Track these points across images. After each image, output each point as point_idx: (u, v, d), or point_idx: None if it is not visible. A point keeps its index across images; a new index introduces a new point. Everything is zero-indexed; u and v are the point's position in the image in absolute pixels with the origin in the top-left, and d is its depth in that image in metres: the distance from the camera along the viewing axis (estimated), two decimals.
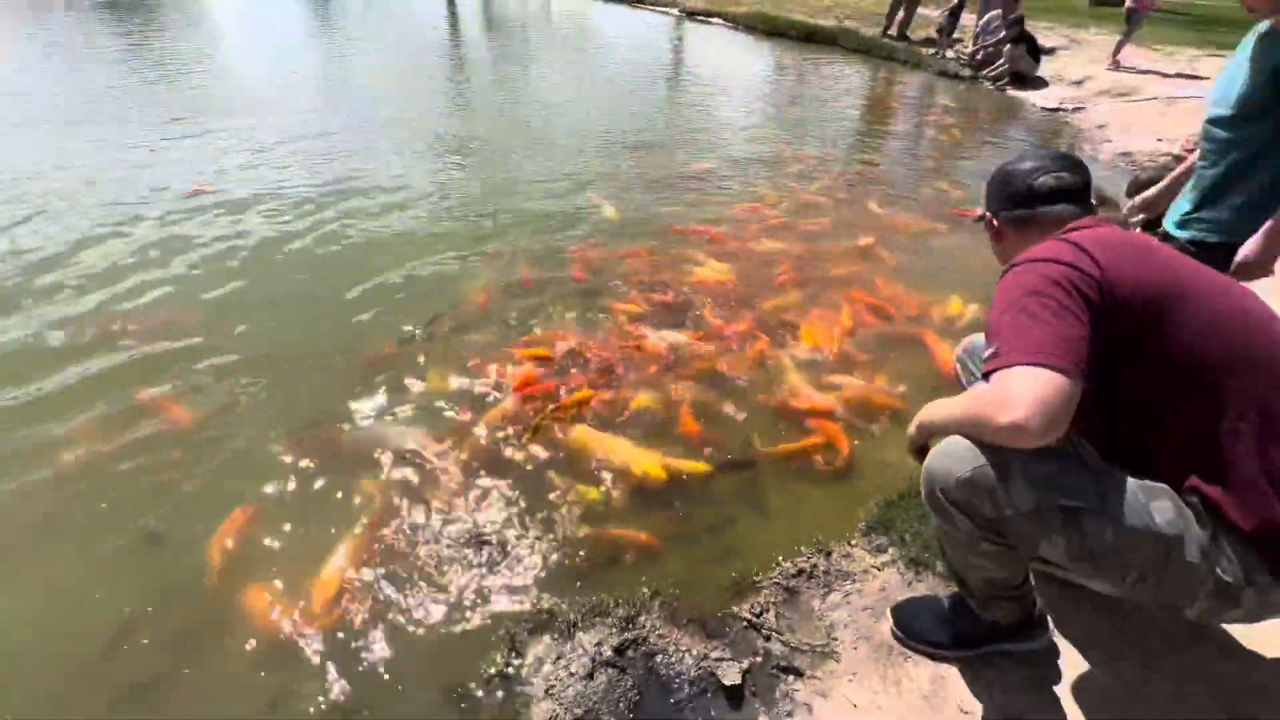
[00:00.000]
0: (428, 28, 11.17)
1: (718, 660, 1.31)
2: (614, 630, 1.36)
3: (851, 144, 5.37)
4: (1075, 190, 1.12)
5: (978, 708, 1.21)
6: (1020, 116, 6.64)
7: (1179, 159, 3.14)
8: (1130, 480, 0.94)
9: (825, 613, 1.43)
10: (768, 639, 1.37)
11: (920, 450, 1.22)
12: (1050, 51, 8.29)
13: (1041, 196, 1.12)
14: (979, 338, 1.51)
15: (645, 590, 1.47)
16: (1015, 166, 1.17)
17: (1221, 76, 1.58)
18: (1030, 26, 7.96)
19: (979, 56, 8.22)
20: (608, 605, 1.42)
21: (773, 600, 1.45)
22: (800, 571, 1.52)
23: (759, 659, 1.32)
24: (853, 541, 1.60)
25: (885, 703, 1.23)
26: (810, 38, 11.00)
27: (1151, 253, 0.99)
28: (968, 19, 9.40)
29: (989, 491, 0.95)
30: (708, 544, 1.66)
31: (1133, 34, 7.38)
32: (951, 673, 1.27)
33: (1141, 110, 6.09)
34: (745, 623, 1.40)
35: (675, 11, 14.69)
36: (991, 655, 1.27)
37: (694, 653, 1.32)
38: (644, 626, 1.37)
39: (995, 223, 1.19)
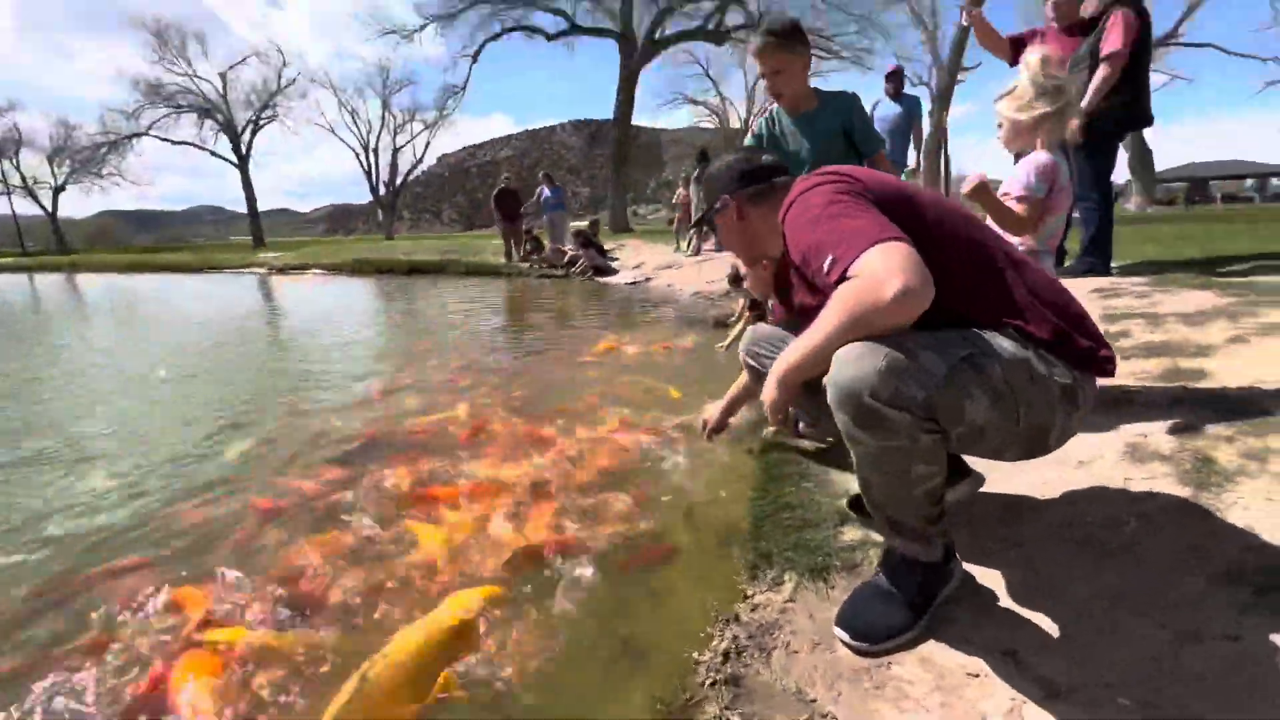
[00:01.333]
0: None
1: None
2: None
3: (497, 333, 5.72)
4: (783, 164, 1.33)
5: (979, 664, 1.05)
6: (612, 291, 8.34)
7: (733, 280, 4.36)
8: (972, 329, 1.03)
9: (782, 678, 1.10)
10: None
11: (785, 413, 1.15)
12: (609, 252, 10.97)
13: (770, 170, 1.29)
14: (762, 327, 1.59)
15: None
16: (736, 158, 1.34)
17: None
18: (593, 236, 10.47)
19: (565, 261, 10.28)
20: None
21: (723, 701, 1.05)
22: (726, 653, 1.17)
23: None
24: (748, 593, 1.34)
25: None
26: (414, 270, 11.92)
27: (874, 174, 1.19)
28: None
29: (908, 372, 0.93)
30: (592, 676, 1.15)
31: (683, 234, 10.41)
32: (931, 649, 1.11)
33: (686, 272, 8.43)
34: None
35: (263, 270, 14.11)
36: (940, 607, 1.17)
37: None
38: None
39: (737, 204, 1.30)
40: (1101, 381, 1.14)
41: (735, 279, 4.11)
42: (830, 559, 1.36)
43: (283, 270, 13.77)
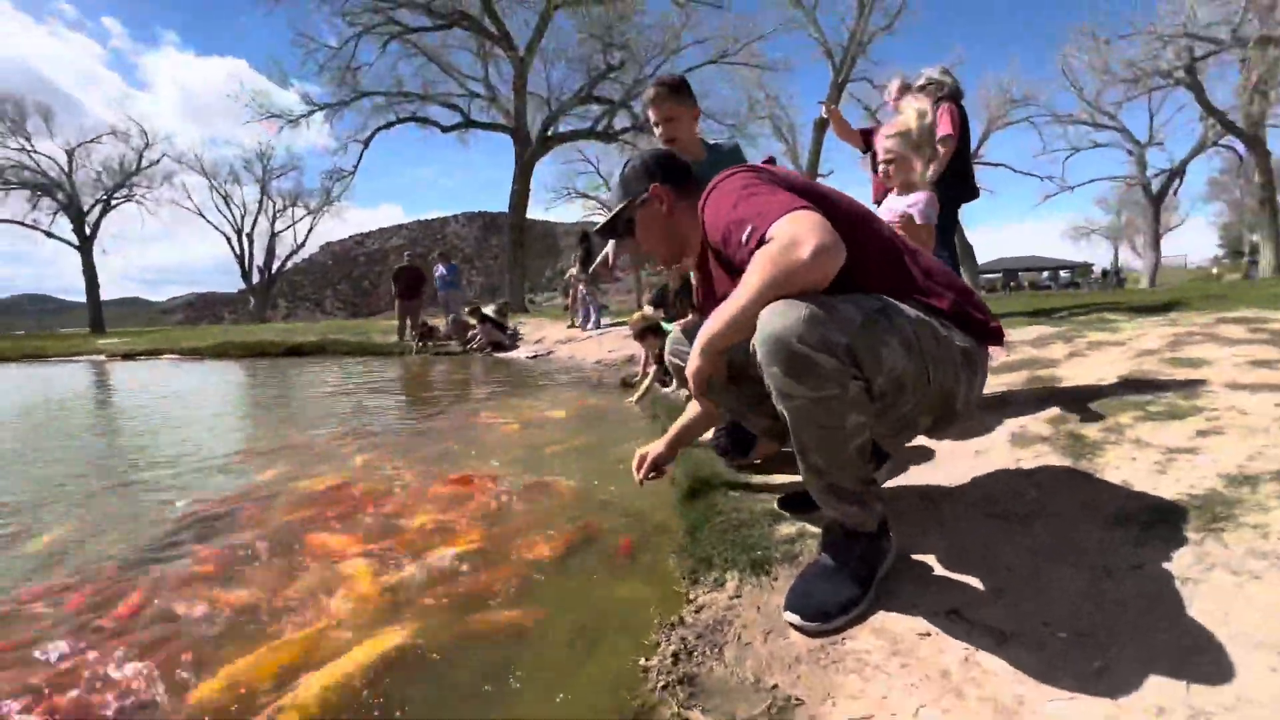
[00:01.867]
0: None
1: None
2: None
3: (393, 412, 5.34)
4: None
5: (927, 625, 1.04)
6: (514, 365, 8.18)
7: (639, 335, 4.45)
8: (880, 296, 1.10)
9: (738, 671, 1.03)
10: None
11: (706, 385, 1.15)
12: (512, 330, 10.86)
13: (688, 167, 1.36)
14: (676, 329, 1.60)
15: None
16: (654, 152, 1.40)
17: None
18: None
19: (463, 340, 10.02)
20: None
21: (678, 700, 0.95)
22: (675, 655, 1.07)
23: None
24: (690, 596, 1.26)
25: (894, 697, 0.92)
26: (296, 351, 10.99)
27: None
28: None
29: (829, 320, 0.97)
30: (535, 694, 0.99)
31: (576, 313, 10.41)
32: (880, 619, 1.09)
33: (586, 344, 8.51)
34: None
35: (102, 357, 12.34)
36: (880, 582, 1.16)
37: None
38: None
39: (665, 194, 1.35)
40: (984, 387, 1.27)
41: (641, 333, 4.19)
42: (770, 552, 1.33)
43: (128, 356, 12.12)
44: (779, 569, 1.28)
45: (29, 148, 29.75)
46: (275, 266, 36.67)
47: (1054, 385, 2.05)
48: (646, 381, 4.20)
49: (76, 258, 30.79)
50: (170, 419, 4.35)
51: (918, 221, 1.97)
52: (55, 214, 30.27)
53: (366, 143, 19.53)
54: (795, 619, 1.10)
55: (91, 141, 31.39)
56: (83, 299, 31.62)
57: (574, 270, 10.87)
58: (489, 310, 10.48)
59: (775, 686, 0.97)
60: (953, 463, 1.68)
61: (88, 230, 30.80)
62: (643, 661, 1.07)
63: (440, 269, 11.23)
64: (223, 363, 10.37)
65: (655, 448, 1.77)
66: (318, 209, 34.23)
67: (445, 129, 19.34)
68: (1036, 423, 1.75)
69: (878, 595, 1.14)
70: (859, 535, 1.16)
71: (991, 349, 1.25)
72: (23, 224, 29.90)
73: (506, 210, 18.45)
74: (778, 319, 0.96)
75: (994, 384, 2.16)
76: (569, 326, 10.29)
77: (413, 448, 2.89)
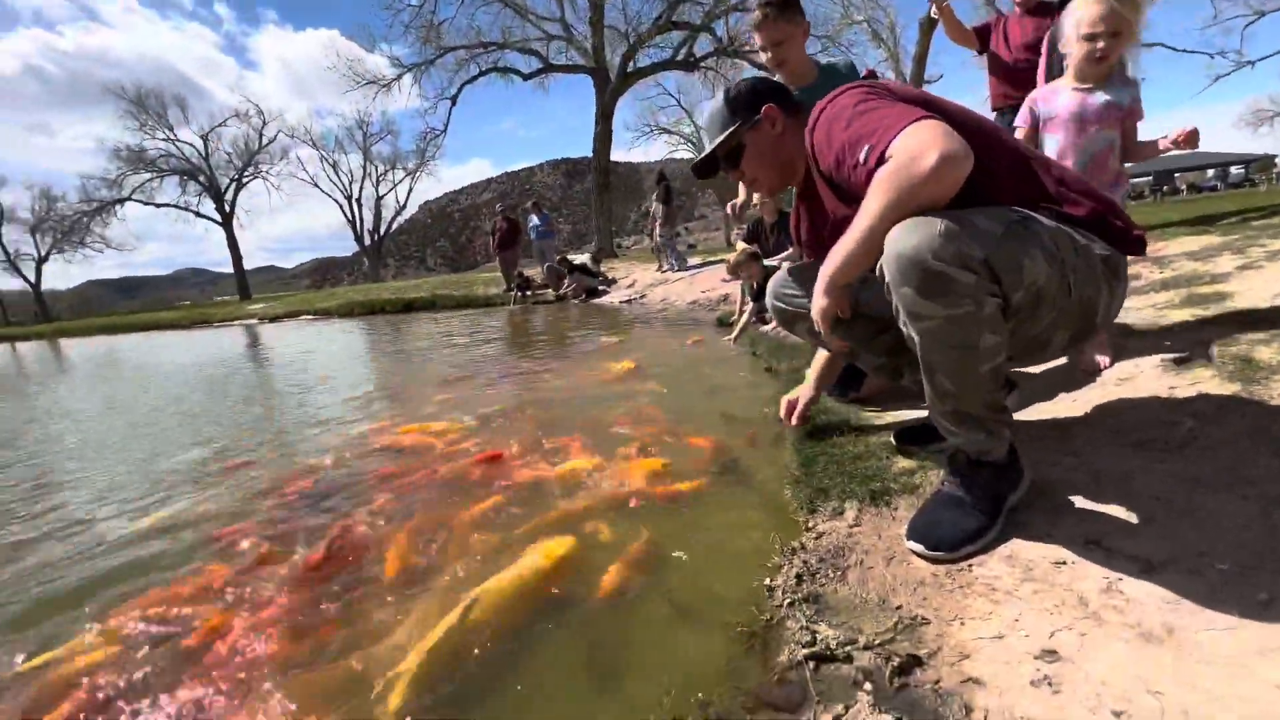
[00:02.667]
0: None
1: None
2: None
3: (511, 355, 5.69)
4: None
5: (1065, 553, 1.02)
6: (609, 311, 8.36)
7: (733, 269, 4.36)
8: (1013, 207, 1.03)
9: (861, 591, 1.07)
10: (847, 660, 0.92)
11: (833, 324, 1.14)
12: (605, 276, 11.04)
13: (789, 90, 1.32)
14: (778, 274, 1.57)
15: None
16: (758, 77, 1.37)
17: None
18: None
19: (558, 288, 10.35)
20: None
21: (805, 617, 1.01)
22: (799, 576, 1.13)
23: (864, 688, 0.86)
24: (809, 525, 1.31)
25: (1026, 620, 0.93)
26: (409, 308, 11.91)
27: None
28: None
29: (965, 234, 0.92)
30: (661, 612, 1.10)
31: (663, 254, 10.35)
32: (1012, 547, 1.08)
33: (678, 285, 8.49)
34: (808, 661, 0.92)
35: (254, 320, 14.05)
36: (1011, 513, 1.14)
37: None
38: None
39: (778, 115, 1.30)
40: (1127, 312, 1.16)
41: (735, 267, 4.13)
42: (889, 483, 1.34)
43: (273, 319, 13.71)
44: (899, 499, 1.29)
45: (173, 137, 33.41)
46: (383, 229, 39.30)
47: (1219, 304, 1.82)
48: (744, 319, 4.16)
49: (221, 233, 34.77)
50: (327, 376, 4.94)
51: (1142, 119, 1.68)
52: (200, 195, 34.11)
53: (454, 99, 19.95)
54: (919, 547, 1.11)
55: (220, 125, 34.70)
56: (230, 270, 35.74)
57: (654, 211, 10.70)
58: (578, 259, 10.70)
59: (900, 607, 1.01)
60: (1091, 391, 1.57)
61: (227, 208, 34.47)
62: (767, 581, 1.14)
63: (533, 219, 11.52)
64: (350, 320, 11.45)
65: (804, 392, 1.75)
66: (415, 170, 36.01)
67: (526, 76, 19.29)
68: (1195, 347, 1.58)
69: (1006, 525, 1.13)
70: (985, 464, 1.12)
71: (1140, 266, 1.15)
72: (178, 206, 34.03)
73: (589, 155, 18.34)
74: (909, 236, 0.93)
75: (1143, 304, 1.95)
76: (658, 270, 10.26)
77: (548, 394, 3.10)
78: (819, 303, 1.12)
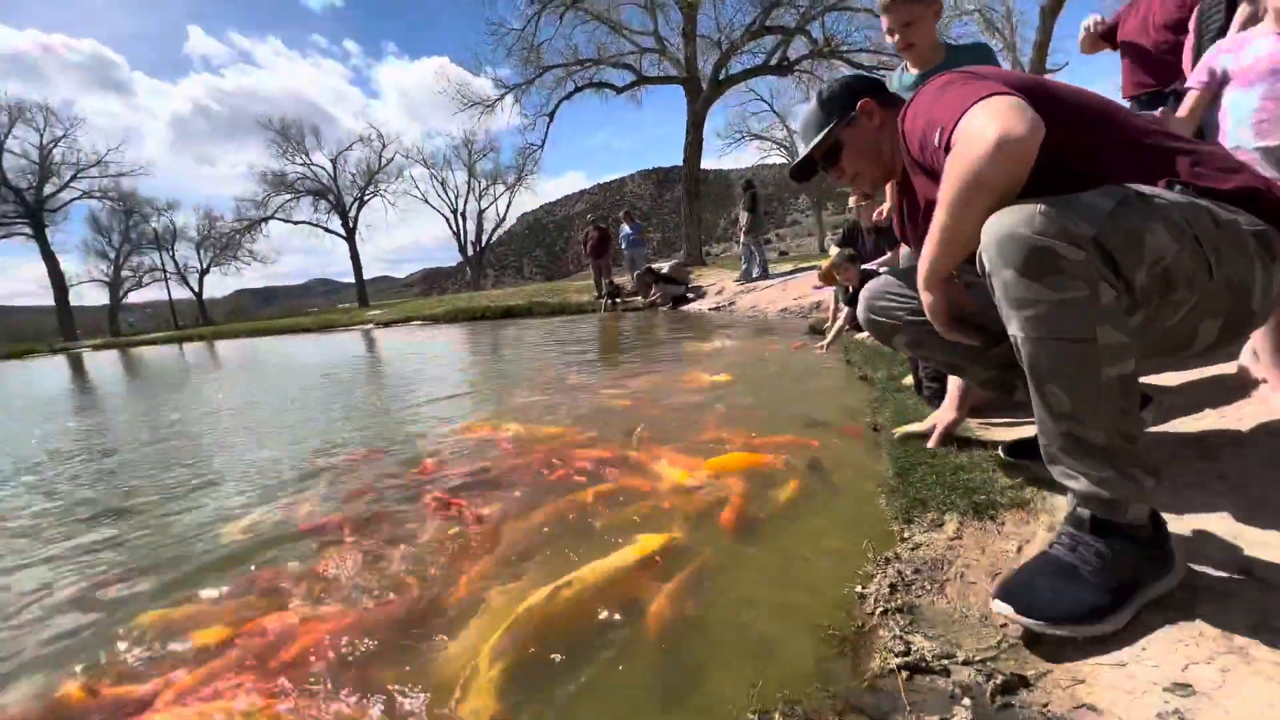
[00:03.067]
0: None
1: None
2: None
3: (614, 356, 5.87)
4: None
5: (1213, 581, 0.92)
6: (700, 316, 8.38)
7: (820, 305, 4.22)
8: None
9: (961, 606, 1.02)
10: (944, 674, 0.88)
11: (949, 317, 1.08)
12: (693, 286, 11.09)
13: (883, 83, 1.31)
14: (873, 282, 1.45)
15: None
16: (850, 75, 1.35)
17: None
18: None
19: (647, 296, 10.52)
20: None
21: (898, 627, 0.98)
22: (893, 585, 1.10)
23: (961, 703, 0.82)
24: (904, 536, 1.26)
25: (1154, 650, 0.85)
26: (508, 314, 12.57)
27: None
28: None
29: (1070, 210, 0.83)
30: (757, 613, 1.11)
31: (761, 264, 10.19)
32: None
33: (768, 292, 8.34)
34: (901, 670, 0.89)
35: (369, 326, 15.38)
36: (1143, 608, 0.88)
37: None
38: None
39: (876, 108, 1.27)
40: None
41: (828, 273, 4.01)
42: (995, 497, 1.26)
43: (387, 324, 14.95)
44: (1006, 514, 1.22)
45: (308, 161, 37.51)
46: (484, 240, 41.75)
47: None
48: (837, 325, 4.04)
49: (344, 247, 38.48)
50: (435, 378, 5.34)
51: None
52: (329, 212, 37.98)
53: (551, 115, 20.85)
54: (1006, 609, 0.89)
55: (348, 150, 38.51)
56: (351, 279, 39.41)
57: (740, 219, 10.54)
58: (663, 268, 10.84)
59: (1005, 625, 0.96)
60: (1245, 406, 1.39)
61: (350, 224, 38.12)
62: (859, 589, 1.12)
63: (625, 228, 11.79)
64: (455, 325, 12.26)
65: (945, 415, 1.65)
66: (514, 184, 37.94)
67: (620, 89, 19.81)
68: None
69: (1138, 614, 0.88)
70: (1116, 528, 0.89)
71: None
72: (310, 223, 38.06)
73: (680, 164, 18.49)
74: (1007, 216, 0.86)
75: None
76: (740, 278, 10.10)
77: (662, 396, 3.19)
78: (926, 300, 1.09)
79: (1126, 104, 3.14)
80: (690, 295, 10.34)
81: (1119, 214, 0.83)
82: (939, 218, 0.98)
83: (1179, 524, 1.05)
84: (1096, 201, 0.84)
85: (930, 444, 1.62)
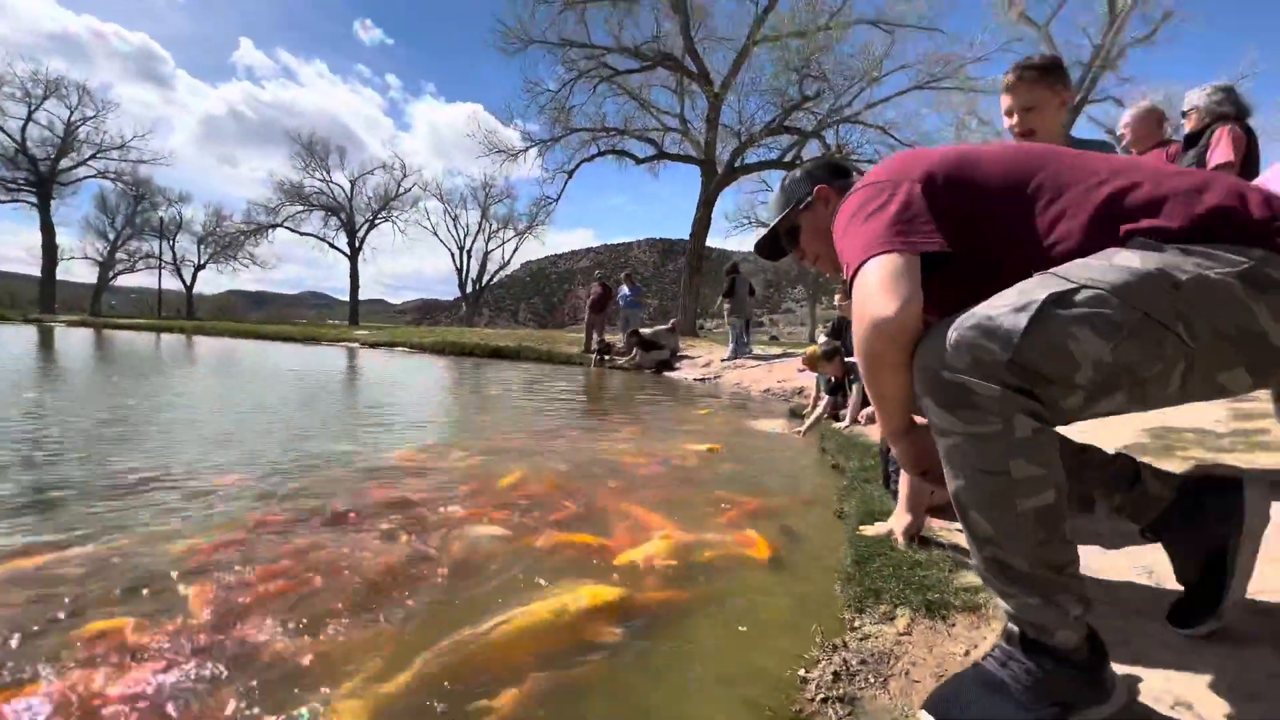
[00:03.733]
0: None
1: None
2: None
3: (579, 414, 5.86)
4: None
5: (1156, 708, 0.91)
6: (681, 386, 8.43)
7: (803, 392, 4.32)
8: (1071, 262, 0.86)
9: (904, 705, 0.99)
10: None
11: (919, 468, 1.03)
12: (681, 355, 11.22)
13: (848, 168, 1.35)
14: None
15: None
16: (814, 160, 1.40)
17: None
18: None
19: (627, 357, 10.61)
20: None
21: (834, 715, 0.96)
22: (836, 674, 1.07)
23: None
24: (854, 625, 1.24)
25: None
26: (496, 354, 12.56)
27: None
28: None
29: (984, 332, 0.80)
30: (699, 691, 1.06)
31: (738, 344, 10.42)
32: None
33: (754, 372, 8.46)
34: None
35: (357, 344, 15.27)
36: None
37: None
38: None
39: (831, 194, 1.26)
40: None
41: (813, 361, 4.09)
42: (949, 597, 1.25)
43: (374, 345, 14.85)
44: (958, 616, 1.21)
45: (328, 179, 38.33)
46: (485, 280, 42.26)
47: None
48: (817, 411, 4.09)
49: (346, 265, 38.73)
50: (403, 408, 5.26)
51: None
52: (338, 230, 38.44)
53: (571, 174, 21.67)
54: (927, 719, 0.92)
55: (368, 174, 39.51)
56: (346, 296, 39.45)
57: (722, 302, 10.66)
58: (646, 332, 10.91)
59: None
60: None
61: (357, 244, 38.54)
62: (802, 673, 1.09)
63: (624, 290, 12.01)
64: (440, 357, 12.20)
65: (900, 521, 1.64)
66: (524, 231, 38.82)
67: (639, 161, 20.75)
68: None
69: None
70: (1045, 651, 0.87)
71: None
72: (317, 237, 38.41)
73: (686, 238, 19.15)
74: (925, 348, 0.85)
75: None
76: (724, 360, 10.22)
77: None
78: (895, 451, 1.05)
79: None
80: (676, 365, 10.41)
81: (1034, 330, 0.78)
82: (864, 381, 0.98)
83: (1125, 650, 1.05)
84: (1011, 322, 0.79)
85: (903, 543, 1.59)
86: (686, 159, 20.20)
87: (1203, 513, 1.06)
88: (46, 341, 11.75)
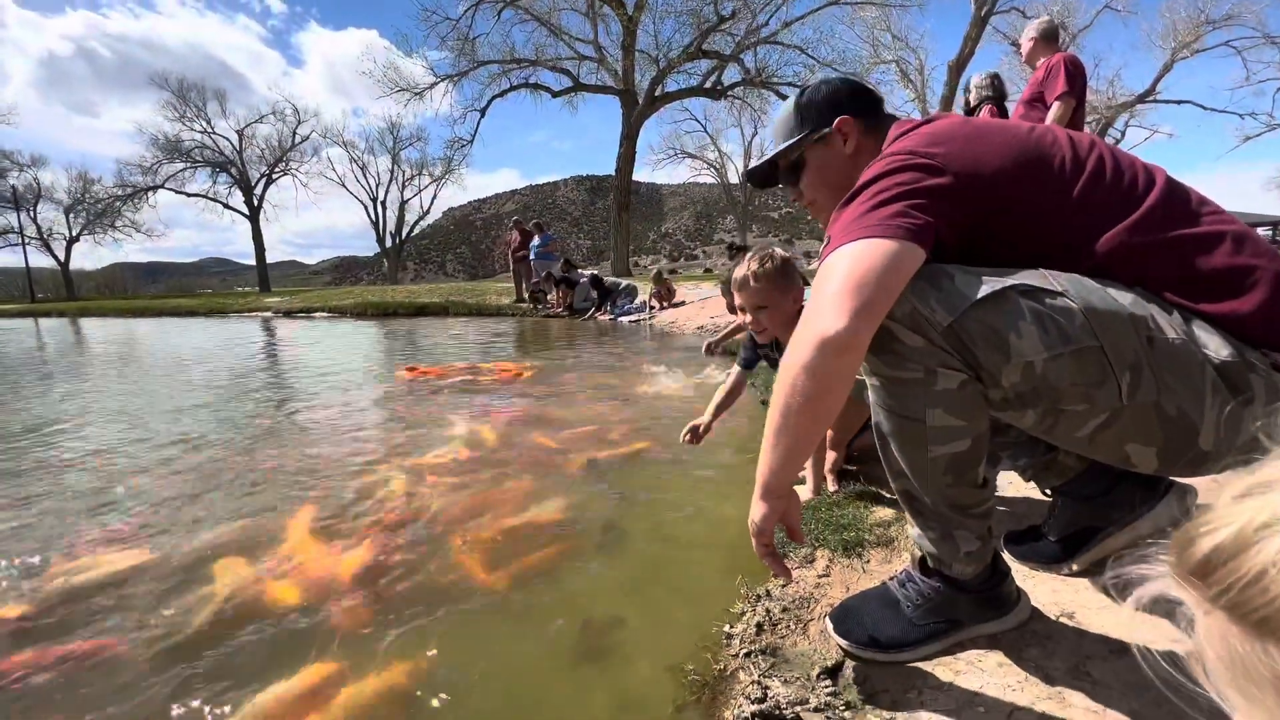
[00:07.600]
0: None
1: None
2: None
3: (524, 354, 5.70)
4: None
5: (1040, 626, 0.98)
6: (619, 328, 8.38)
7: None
8: (1070, 273, 0.80)
9: (822, 650, 1.03)
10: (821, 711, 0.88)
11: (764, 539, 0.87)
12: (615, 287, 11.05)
13: (880, 100, 1.08)
14: None
15: None
16: (844, 81, 1.07)
17: None
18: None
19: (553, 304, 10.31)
20: None
21: (759, 670, 0.98)
22: (760, 625, 1.09)
23: None
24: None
25: (988, 691, 0.89)
26: (422, 311, 12.02)
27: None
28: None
29: (936, 292, 0.78)
30: (620, 653, 1.07)
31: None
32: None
33: (687, 310, 8.50)
34: (754, 719, 0.88)
35: (269, 313, 14.23)
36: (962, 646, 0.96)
37: None
38: None
39: (852, 129, 1.02)
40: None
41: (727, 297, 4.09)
42: (863, 534, 1.30)
43: (289, 313, 13.89)
44: (871, 552, 1.26)
45: (209, 129, 34.23)
46: (405, 232, 39.88)
47: None
48: (726, 330, 4.12)
49: (247, 226, 35.44)
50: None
51: None
52: (230, 187, 34.81)
53: (483, 111, 20.34)
54: (828, 626, 1.02)
55: (256, 122, 35.54)
56: (253, 262, 36.34)
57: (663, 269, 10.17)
58: (559, 271, 10.40)
59: (859, 670, 0.97)
60: None
61: (255, 202, 35.16)
62: (726, 628, 1.11)
63: (535, 240, 11.41)
64: (363, 320, 11.57)
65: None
66: (440, 177, 36.47)
67: (555, 94, 19.67)
68: None
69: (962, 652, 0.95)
70: (940, 576, 0.96)
71: None
72: (207, 197, 34.67)
73: (613, 173, 18.60)
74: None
75: None
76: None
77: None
78: (760, 508, 0.87)
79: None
80: (594, 308, 10.02)
81: (984, 306, 0.77)
82: (771, 417, 0.84)
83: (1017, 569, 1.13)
84: (967, 288, 0.78)
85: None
86: (605, 89, 19.31)
87: (1109, 494, 1.10)
88: None
